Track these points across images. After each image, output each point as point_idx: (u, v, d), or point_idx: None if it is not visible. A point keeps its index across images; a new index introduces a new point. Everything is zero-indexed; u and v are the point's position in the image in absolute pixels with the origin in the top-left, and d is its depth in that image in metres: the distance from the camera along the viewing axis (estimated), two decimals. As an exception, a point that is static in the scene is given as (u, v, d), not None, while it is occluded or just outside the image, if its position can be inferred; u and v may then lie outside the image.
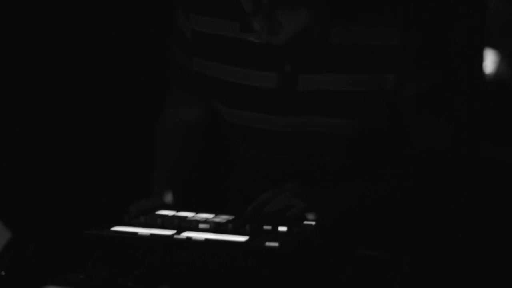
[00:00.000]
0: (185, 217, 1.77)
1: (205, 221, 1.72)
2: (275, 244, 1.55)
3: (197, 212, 1.82)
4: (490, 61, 3.28)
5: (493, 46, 3.28)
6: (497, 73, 3.30)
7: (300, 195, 1.80)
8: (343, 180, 1.95)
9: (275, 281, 1.55)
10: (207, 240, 1.58)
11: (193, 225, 1.69)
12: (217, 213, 1.81)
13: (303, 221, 1.75)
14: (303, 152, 2.00)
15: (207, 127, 2.21)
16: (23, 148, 2.79)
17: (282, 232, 1.66)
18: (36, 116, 2.80)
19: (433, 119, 1.97)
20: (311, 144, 1.99)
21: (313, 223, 1.74)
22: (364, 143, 2.00)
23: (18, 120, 2.78)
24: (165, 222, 1.71)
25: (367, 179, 1.94)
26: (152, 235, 1.63)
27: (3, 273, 1.87)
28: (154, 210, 1.86)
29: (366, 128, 1.96)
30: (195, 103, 2.17)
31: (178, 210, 1.85)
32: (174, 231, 1.64)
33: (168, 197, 1.95)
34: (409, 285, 1.79)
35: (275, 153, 2.03)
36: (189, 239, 1.59)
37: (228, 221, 1.73)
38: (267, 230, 1.67)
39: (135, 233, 1.64)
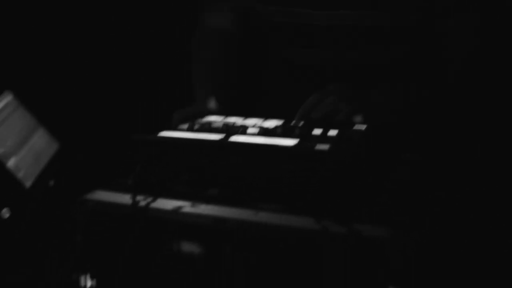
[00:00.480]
0: (233, 123, 1.75)
1: (254, 125, 1.69)
2: (325, 147, 1.52)
3: (246, 117, 1.79)
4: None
5: None
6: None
7: (345, 98, 1.76)
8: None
9: (325, 185, 1.52)
10: (255, 144, 1.55)
11: (242, 130, 1.66)
12: (266, 118, 1.78)
13: (352, 125, 1.72)
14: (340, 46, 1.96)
15: (241, 34, 2.18)
16: (69, 58, 2.77)
17: (332, 136, 1.63)
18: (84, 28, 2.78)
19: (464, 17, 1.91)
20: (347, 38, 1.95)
21: (363, 127, 1.70)
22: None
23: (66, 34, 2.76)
24: (213, 127, 1.68)
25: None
26: (200, 139, 1.61)
27: (52, 183, 1.88)
28: (199, 117, 1.83)
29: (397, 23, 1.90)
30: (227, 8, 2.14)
31: (226, 115, 1.82)
32: (222, 136, 1.61)
33: (212, 104, 1.92)
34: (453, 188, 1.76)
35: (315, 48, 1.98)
36: (237, 143, 1.57)
37: (277, 126, 1.70)
38: (317, 134, 1.64)
39: (183, 138, 1.62)
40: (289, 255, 1.49)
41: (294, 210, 1.50)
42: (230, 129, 1.66)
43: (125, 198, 1.59)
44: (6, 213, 1.75)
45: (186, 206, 1.56)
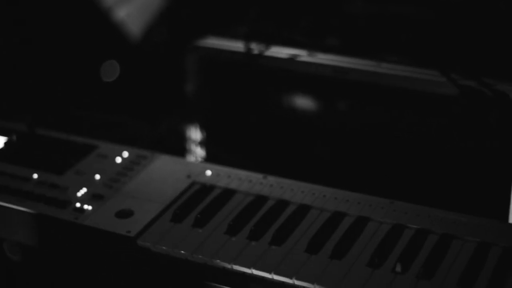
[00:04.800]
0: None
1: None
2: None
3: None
4: None
5: None
6: None
7: None
8: None
9: (455, 35, 1.41)
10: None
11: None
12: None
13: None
14: None
15: None
16: None
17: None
18: None
19: None
20: None
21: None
22: None
23: None
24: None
25: None
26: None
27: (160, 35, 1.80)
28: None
29: None
30: None
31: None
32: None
33: None
34: None
35: None
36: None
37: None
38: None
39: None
40: (413, 109, 1.40)
41: (420, 62, 1.39)
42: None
43: (238, 45, 1.50)
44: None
45: (302, 55, 1.46)
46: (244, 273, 1.14)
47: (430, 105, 1.38)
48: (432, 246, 1.17)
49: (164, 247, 1.18)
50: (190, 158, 1.49)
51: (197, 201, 1.27)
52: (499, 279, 1.10)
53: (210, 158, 1.47)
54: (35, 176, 1.31)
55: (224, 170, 1.34)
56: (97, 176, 1.31)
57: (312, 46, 1.48)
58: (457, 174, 1.37)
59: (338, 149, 1.43)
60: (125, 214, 1.23)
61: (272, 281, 1.12)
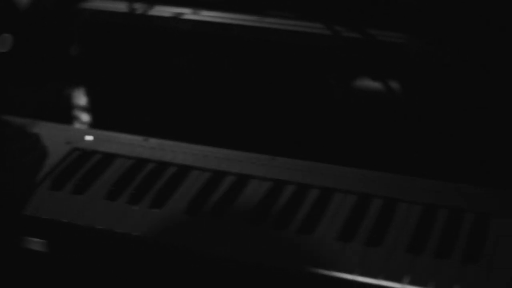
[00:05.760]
0: None
1: None
2: None
3: None
4: None
5: None
6: None
7: None
8: None
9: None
10: None
11: None
12: None
13: None
14: None
15: None
16: None
17: None
18: None
19: None
20: None
21: None
22: None
23: None
24: None
25: None
26: None
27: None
28: None
29: None
30: None
31: None
32: None
33: None
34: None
35: None
36: None
37: None
38: None
39: None
40: (297, 63, 1.40)
41: (305, 16, 1.38)
42: None
43: (121, 6, 1.47)
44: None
45: (186, 13, 1.44)
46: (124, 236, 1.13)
47: (315, 58, 1.37)
48: (312, 201, 1.17)
49: (44, 216, 1.17)
50: (75, 124, 1.47)
51: (76, 168, 1.25)
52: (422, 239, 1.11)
53: (94, 123, 1.45)
54: None
55: (105, 134, 1.33)
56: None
57: (195, 3, 1.46)
58: (343, 128, 1.37)
59: (222, 107, 1.42)
60: (3, 184, 1.21)
61: (158, 243, 1.12)
